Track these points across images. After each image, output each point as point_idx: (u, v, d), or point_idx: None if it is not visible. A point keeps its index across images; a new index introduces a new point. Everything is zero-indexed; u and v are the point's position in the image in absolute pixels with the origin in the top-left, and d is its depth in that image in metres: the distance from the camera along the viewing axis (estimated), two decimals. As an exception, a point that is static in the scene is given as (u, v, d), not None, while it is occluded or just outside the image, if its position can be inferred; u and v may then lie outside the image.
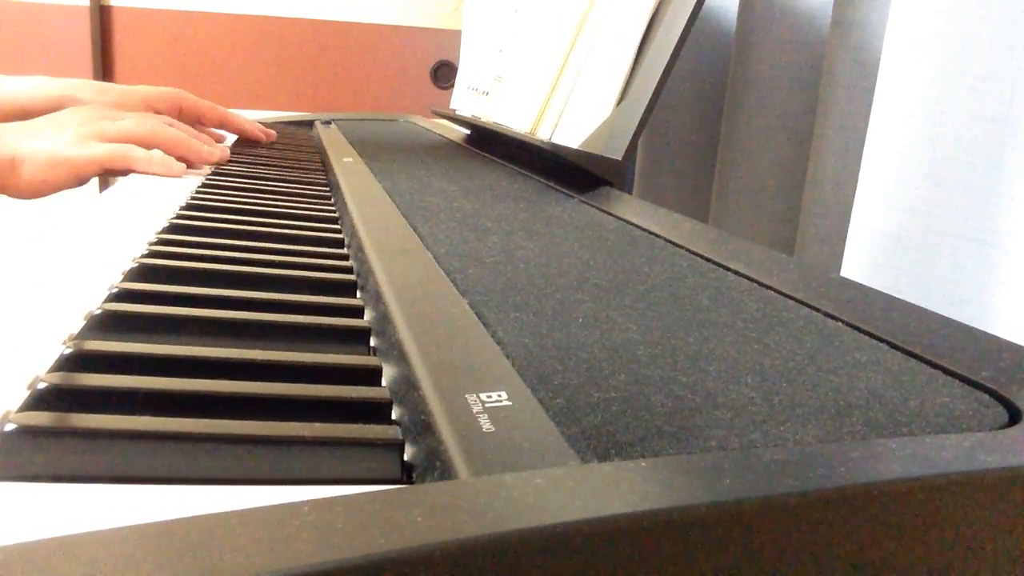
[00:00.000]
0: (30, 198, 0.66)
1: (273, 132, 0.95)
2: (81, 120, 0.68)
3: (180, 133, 0.71)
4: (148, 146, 0.68)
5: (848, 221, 0.61)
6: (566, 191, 0.60)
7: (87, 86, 0.86)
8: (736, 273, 0.38)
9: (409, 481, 0.23)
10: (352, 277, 0.39)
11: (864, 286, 0.36)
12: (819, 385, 0.25)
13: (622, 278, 0.36)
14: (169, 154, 0.69)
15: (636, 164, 1.01)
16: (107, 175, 0.69)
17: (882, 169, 0.56)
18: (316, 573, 0.13)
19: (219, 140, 0.97)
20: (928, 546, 0.18)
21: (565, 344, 0.27)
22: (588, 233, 0.45)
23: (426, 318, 0.28)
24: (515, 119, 0.80)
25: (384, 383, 0.28)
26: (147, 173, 0.67)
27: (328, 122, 1.12)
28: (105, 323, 0.30)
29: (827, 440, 0.21)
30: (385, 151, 0.80)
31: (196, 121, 0.94)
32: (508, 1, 0.92)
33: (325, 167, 0.76)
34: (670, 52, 0.60)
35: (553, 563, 0.15)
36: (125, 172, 0.69)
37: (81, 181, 0.67)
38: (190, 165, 0.71)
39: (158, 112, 0.82)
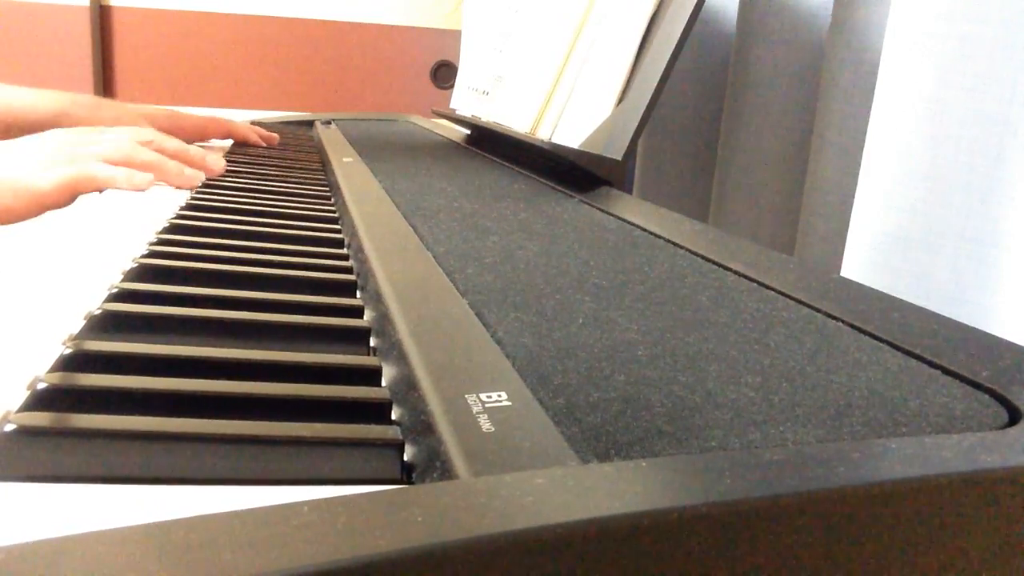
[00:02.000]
0: None
1: (276, 136, 0.95)
2: (59, 143, 0.64)
3: (156, 157, 0.67)
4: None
5: (848, 221, 0.61)
6: (566, 191, 0.60)
7: (84, 102, 0.83)
8: (736, 273, 0.38)
9: (409, 481, 0.23)
10: (352, 277, 0.39)
11: (864, 286, 0.36)
12: (819, 385, 0.25)
13: (622, 278, 0.36)
14: None
15: (636, 164, 1.01)
16: (83, 194, 0.66)
17: (882, 169, 0.56)
18: (316, 573, 0.13)
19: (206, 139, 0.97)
20: (928, 546, 0.18)
21: (565, 344, 0.27)
22: (588, 233, 0.45)
23: (426, 318, 0.28)
24: (515, 119, 0.80)
25: (384, 383, 0.28)
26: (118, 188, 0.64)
27: (328, 122, 1.12)
28: (105, 323, 0.30)
29: (827, 440, 0.21)
30: (385, 151, 0.80)
31: (199, 137, 0.93)
32: (508, 1, 0.92)
33: (325, 167, 0.76)
34: (670, 52, 0.60)
35: (553, 563, 0.15)
36: (101, 190, 0.66)
37: (50, 209, 0.62)
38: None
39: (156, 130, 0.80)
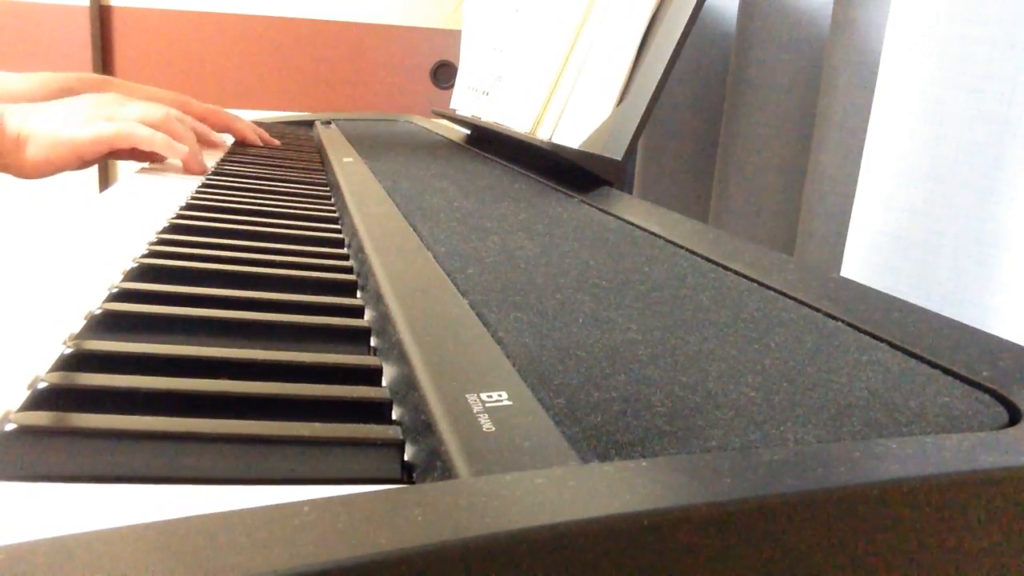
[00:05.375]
0: (34, 177, 0.66)
1: (277, 142, 0.95)
2: (92, 103, 0.68)
3: (187, 131, 0.71)
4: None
5: (848, 221, 0.61)
6: (566, 191, 0.60)
7: (91, 79, 0.85)
8: (736, 273, 0.38)
9: (409, 481, 0.23)
10: (352, 277, 0.39)
11: (864, 286, 0.36)
12: (819, 385, 0.25)
13: (622, 278, 0.36)
14: None
15: (636, 164, 1.01)
16: (112, 157, 0.69)
17: (882, 169, 0.56)
18: (316, 573, 0.13)
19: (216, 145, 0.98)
20: (928, 546, 0.18)
21: (565, 344, 0.27)
22: (588, 233, 0.45)
23: (426, 318, 0.28)
24: (515, 119, 0.80)
25: (384, 383, 0.28)
26: (150, 151, 0.67)
27: (328, 122, 1.12)
28: (105, 323, 0.30)
29: (827, 440, 0.21)
30: (385, 151, 0.80)
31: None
32: (508, 1, 0.92)
33: (325, 167, 0.76)
34: (670, 52, 0.60)
35: (553, 563, 0.15)
36: (129, 155, 0.69)
37: (85, 161, 0.66)
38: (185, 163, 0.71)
39: None
